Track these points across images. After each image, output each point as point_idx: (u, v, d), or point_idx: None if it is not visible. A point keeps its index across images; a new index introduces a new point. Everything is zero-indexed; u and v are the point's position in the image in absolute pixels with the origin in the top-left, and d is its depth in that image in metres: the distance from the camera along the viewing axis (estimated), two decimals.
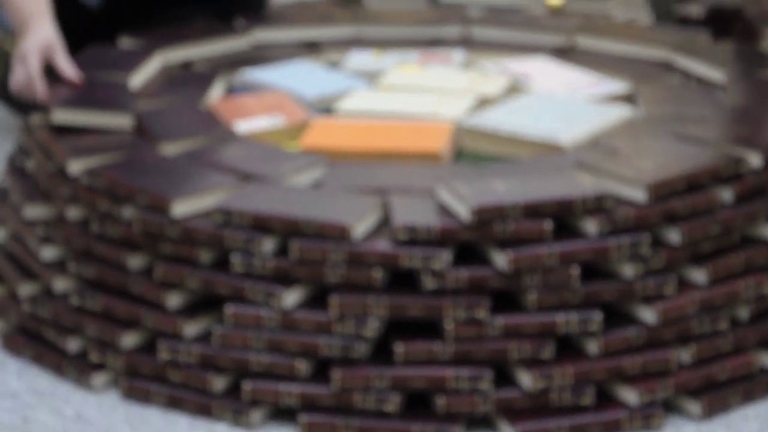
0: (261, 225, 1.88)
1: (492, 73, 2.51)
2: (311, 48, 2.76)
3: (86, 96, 2.30)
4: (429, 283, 1.84)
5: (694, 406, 1.92)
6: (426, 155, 2.14)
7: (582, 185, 1.91)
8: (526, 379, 1.85)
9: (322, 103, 2.40)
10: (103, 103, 2.27)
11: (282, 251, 1.89)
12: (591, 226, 1.87)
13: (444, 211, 1.89)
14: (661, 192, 1.91)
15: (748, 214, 2.00)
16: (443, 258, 1.82)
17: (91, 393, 1.97)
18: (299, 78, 2.49)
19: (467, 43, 2.77)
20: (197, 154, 2.12)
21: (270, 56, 2.66)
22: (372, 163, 2.14)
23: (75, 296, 2.03)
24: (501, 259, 1.84)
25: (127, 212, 1.98)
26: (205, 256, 1.92)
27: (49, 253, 2.10)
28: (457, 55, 2.62)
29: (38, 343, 2.07)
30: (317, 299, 1.89)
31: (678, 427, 1.90)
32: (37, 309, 2.07)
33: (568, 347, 1.90)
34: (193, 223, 1.91)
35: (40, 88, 2.37)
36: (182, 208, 1.92)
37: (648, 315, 1.89)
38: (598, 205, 1.87)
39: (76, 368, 2.00)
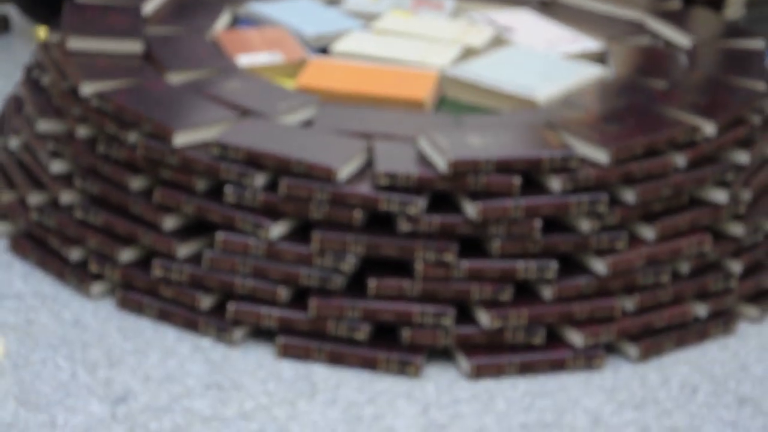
0: (254, 160, 1.88)
1: (478, 24, 2.49)
2: None
3: (100, 21, 2.29)
4: (404, 226, 1.85)
5: (632, 350, 1.96)
6: (411, 102, 2.14)
7: (550, 145, 1.92)
8: (485, 318, 1.88)
9: (319, 41, 2.39)
10: (116, 29, 2.25)
11: (272, 186, 1.90)
12: (555, 183, 1.89)
13: (423, 160, 1.90)
14: (622, 156, 1.93)
15: (698, 179, 2.01)
16: (419, 204, 1.84)
17: (89, 300, 1.99)
18: (300, 15, 2.46)
19: None
20: (200, 85, 2.11)
21: None
22: (360, 106, 2.13)
23: (79, 210, 2.03)
24: (471, 209, 1.86)
25: (132, 137, 1.98)
26: (200, 184, 1.93)
27: (57, 166, 2.11)
28: (448, 2, 2.60)
29: (43, 250, 2.08)
30: (300, 233, 1.91)
31: (616, 368, 1.93)
32: (44, 218, 2.08)
33: (525, 291, 1.94)
34: (192, 153, 1.91)
35: None
36: (183, 138, 1.93)
37: (599, 266, 1.92)
38: (563, 165, 1.89)
39: (76, 276, 2.02)
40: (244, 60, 2.24)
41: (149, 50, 2.22)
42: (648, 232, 1.98)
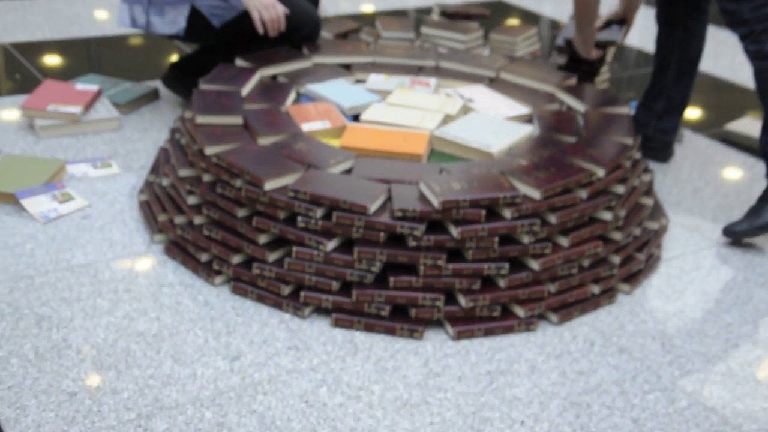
0: (315, 200, 1.84)
1: (452, 97, 2.42)
2: (346, 68, 2.65)
3: (216, 102, 2.22)
4: (411, 242, 1.82)
5: (554, 318, 1.94)
6: (413, 155, 2.08)
7: (503, 188, 1.87)
8: (463, 301, 1.86)
9: (353, 110, 2.32)
10: (225, 108, 2.19)
11: (327, 216, 1.86)
12: (507, 213, 1.85)
13: (423, 198, 1.85)
14: (548, 193, 1.89)
15: (594, 206, 1.97)
16: (421, 229, 1.81)
17: (213, 288, 1.96)
18: (339, 92, 2.39)
19: (438, 70, 2.66)
20: (279, 146, 2.05)
21: (322, 72, 2.55)
22: (381, 159, 2.06)
23: (206, 228, 2.00)
24: (454, 231, 1.82)
25: (238, 182, 1.93)
26: (282, 215, 1.89)
27: (192, 200, 2.06)
28: (432, 81, 2.53)
29: (184, 254, 2.04)
30: (346, 247, 1.87)
31: (544, 330, 1.91)
32: (184, 233, 2.04)
33: (488, 283, 1.90)
34: (276, 195, 1.87)
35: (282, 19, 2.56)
36: (270, 185, 1.88)
37: (534, 265, 1.90)
38: (512, 201, 1.85)
39: (205, 272, 1.98)
40: (306, 127, 2.18)
41: (246, 121, 2.16)
42: (564, 241, 1.94)
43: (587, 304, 1.99)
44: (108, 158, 2.51)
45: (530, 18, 4.26)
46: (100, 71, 3.14)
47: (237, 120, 2.17)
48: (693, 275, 2.18)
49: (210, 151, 2.03)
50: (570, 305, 1.97)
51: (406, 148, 2.11)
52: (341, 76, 2.55)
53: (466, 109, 2.39)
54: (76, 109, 2.64)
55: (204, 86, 2.33)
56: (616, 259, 2.06)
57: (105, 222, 2.21)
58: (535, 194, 1.89)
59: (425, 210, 1.83)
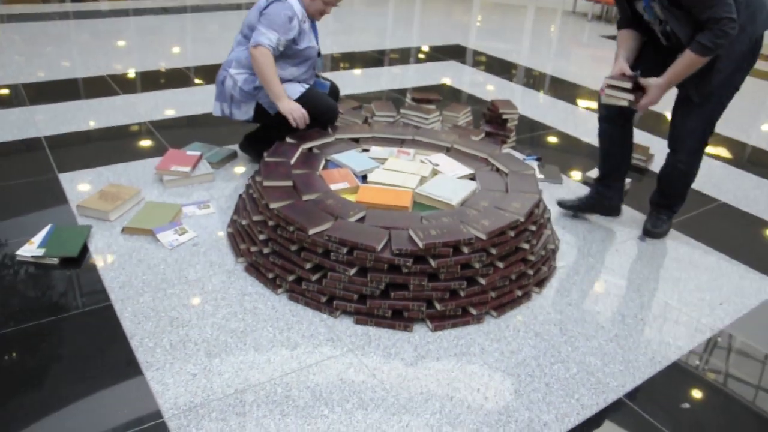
0: (342, 242, 1.70)
1: (425, 163, 2.24)
2: (356, 141, 2.45)
3: (275, 169, 2.03)
4: (405, 270, 1.68)
5: (494, 314, 1.80)
6: (403, 207, 1.92)
7: (463, 233, 1.73)
8: (438, 306, 1.72)
9: (363, 172, 2.14)
10: (282, 174, 2.01)
11: (350, 252, 1.70)
12: (466, 249, 1.71)
13: (412, 241, 1.70)
14: (491, 235, 1.75)
15: (518, 240, 1.83)
16: (410, 261, 1.66)
17: (277, 296, 1.81)
18: (353, 160, 2.21)
19: (414, 141, 2.45)
20: (317, 201, 1.87)
21: (341, 145, 2.35)
22: (383, 210, 1.89)
23: (271, 257, 1.84)
24: (433, 262, 1.68)
25: (291, 228, 1.77)
26: (320, 250, 1.74)
27: (261, 236, 1.89)
28: (411, 151, 2.34)
29: (258, 272, 1.87)
30: (362, 272, 1.72)
31: (488, 322, 1.77)
32: (257, 258, 1.87)
33: (454, 294, 1.76)
34: (316, 237, 1.72)
35: (306, 117, 2.29)
36: (312, 231, 1.73)
37: (482, 281, 1.76)
38: (469, 241, 1.70)
39: (271, 285, 1.82)
40: (333, 187, 2.00)
41: (294, 184, 1.97)
42: (500, 264, 1.80)
43: (514, 303, 1.86)
44: (207, 202, 2.32)
45: (466, 97, 4.09)
46: (201, 139, 2.96)
47: (288, 183, 2.00)
48: (576, 278, 2.05)
49: (273, 205, 1.87)
50: (504, 305, 1.84)
51: (398, 202, 1.94)
52: (353, 147, 2.36)
53: (434, 171, 2.22)
54: (187, 169, 2.45)
55: (268, 158, 2.15)
56: (531, 272, 1.92)
57: (207, 248, 2.02)
58: (483, 236, 1.74)
59: (414, 249, 1.68)
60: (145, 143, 2.91)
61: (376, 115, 3.07)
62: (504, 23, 6.43)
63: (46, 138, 2.86)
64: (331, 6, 2.42)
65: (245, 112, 2.46)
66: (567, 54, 5.27)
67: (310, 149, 2.36)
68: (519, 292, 1.89)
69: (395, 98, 3.83)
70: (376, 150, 2.36)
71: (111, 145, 2.84)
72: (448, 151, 2.45)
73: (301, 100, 2.41)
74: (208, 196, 2.39)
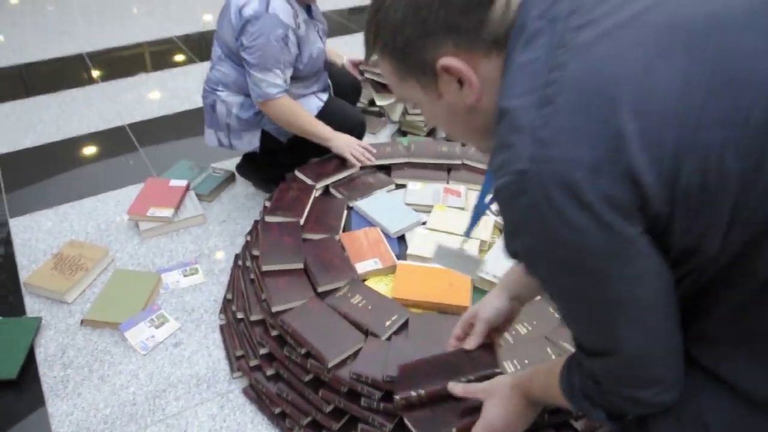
0: (375, 385, 1.16)
1: (486, 214, 1.57)
2: (385, 169, 1.84)
3: (278, 243, 1.48)
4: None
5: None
6: (461, 308, 1.34)
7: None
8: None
9: (398, 233, 1.58)
10: (288, 249, 1.46)
11: (386, 397, 1.16)
12: None
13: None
14: None
15: None
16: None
17: None
18: (384, 211, 1.63)
19: (465, 166, 1.83)
20: (339, 301, 1.33)
21: (367, 181, 1.76)
22: (431, 314, 1.34)
23: (277, 387, 1.33)
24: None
25: (302, 350, 1.25)
26: (344, 389, 1.21)
27: (263, 350, 1.38)
28: (462, 189, 1.72)
29: (260, 400, 1.38)
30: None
31: None
32: (259, 384, 1.37)
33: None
34: (339, 373, 1.19)
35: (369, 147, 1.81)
36: (333, 362, 1.20)
37: None
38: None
39: (277, 421, 1.33)
40: (360, 268, 1.44)
41: (306, 266, 1.42)
42: None
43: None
44: (194, 262, 1.79)
45: None
46: (190, 153, 2.35)
47: (298, 265, 1.44)
48: None
49: (277, 308, 1.33)
50: None
51: (452, 299, 1.37)
52: (383, 183, 1.76)
53: (496, 226, 1.61)
54: (168, 212, 1.89)
55: (268, 218, 1.58)
56: None
57: (193, 351, 1.52)
58: None
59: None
60: (120, 160, 2.34)
61: (411, 112, 2.41)
62: None
63: None
64: None
65: (249, 143, 1.87)
66: None
67: (327, 188, 1.77)
68: None
69: None
70: (414, 190, 1.76)
71: (75, 169, 2.28)
72: None
73: (321, 116, 1.82)
74: (197, 251, 1.86)
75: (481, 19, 0.63)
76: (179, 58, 3.28)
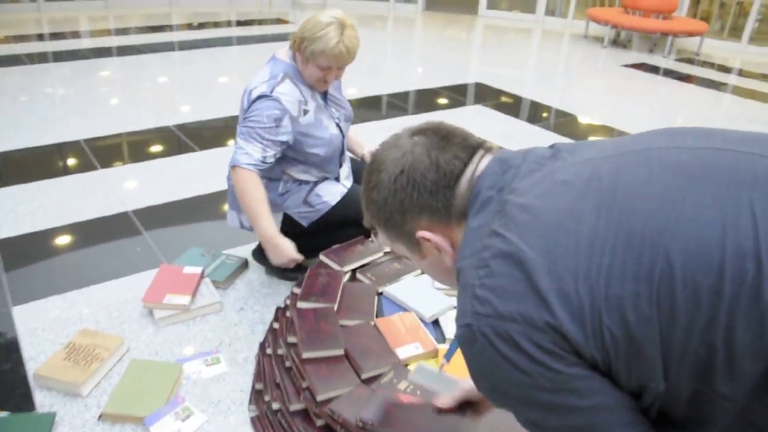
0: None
1: None
2: None
3: (316, 329, 1.50)
4: None
5: None
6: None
7: None
8: None
9: (433, 317, 1.64)
10: (327, 335, 1.48)
11: None
12: None
13: None
14: None
15: None
16: None
17: None
18: (415, 295, 1.69)
19: None
20: (388, 389, 1.34)
21: (392, 266, 1.83)
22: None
23: (280, 414, 1.34)
24: None
25: None
26: None
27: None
28: None
29: (269, 425, 1.37)
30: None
31: None
32: (267, 414, 1.37)
33: None
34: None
35: (297, 259, 1.67)
36: None
37: None
38: None
39: None
40: (401, 353, 1.47)
41: (347, 352, 1.45)
42: None
43: None
44: (216, 351, 1.75)
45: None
46: (200, 240, 2.36)
47: (339, 352, 1.46)
48: None
49: (322, 397, 1.32)
50: None
51: None
52: (410, 269, 1.82)
53: None
54: (185, 300, 1.88)
55: (301, 304, 1.61)
56: None
57: None
58: None
59: None
60: (126, 246, 2.32)
61: None
62: (516, 50, 5.95)
63: None
64: (331, 73, 1.78)
65: None
66: (611, 95, 4.74)
67: (353, 272, 1.81)
68: None
69: None
70: None
71: (80, 255, 2.23)
72: None
73: (343, 203, 1.89)
74: (217, 339, 1.82)
75: (448, 198, 0.76)
76: (175, 146, 3.35)
